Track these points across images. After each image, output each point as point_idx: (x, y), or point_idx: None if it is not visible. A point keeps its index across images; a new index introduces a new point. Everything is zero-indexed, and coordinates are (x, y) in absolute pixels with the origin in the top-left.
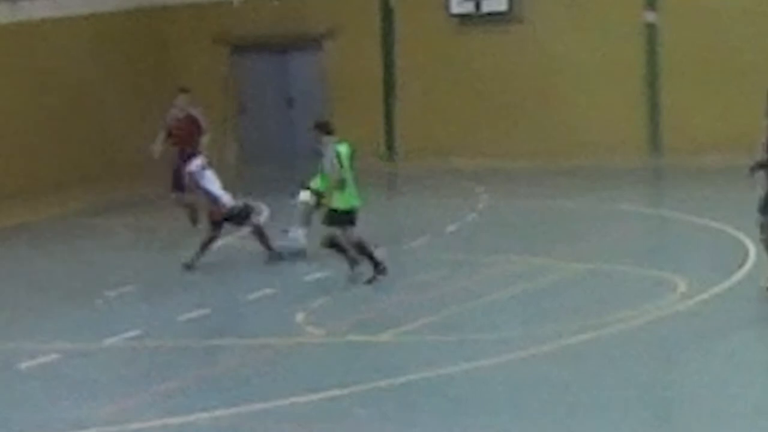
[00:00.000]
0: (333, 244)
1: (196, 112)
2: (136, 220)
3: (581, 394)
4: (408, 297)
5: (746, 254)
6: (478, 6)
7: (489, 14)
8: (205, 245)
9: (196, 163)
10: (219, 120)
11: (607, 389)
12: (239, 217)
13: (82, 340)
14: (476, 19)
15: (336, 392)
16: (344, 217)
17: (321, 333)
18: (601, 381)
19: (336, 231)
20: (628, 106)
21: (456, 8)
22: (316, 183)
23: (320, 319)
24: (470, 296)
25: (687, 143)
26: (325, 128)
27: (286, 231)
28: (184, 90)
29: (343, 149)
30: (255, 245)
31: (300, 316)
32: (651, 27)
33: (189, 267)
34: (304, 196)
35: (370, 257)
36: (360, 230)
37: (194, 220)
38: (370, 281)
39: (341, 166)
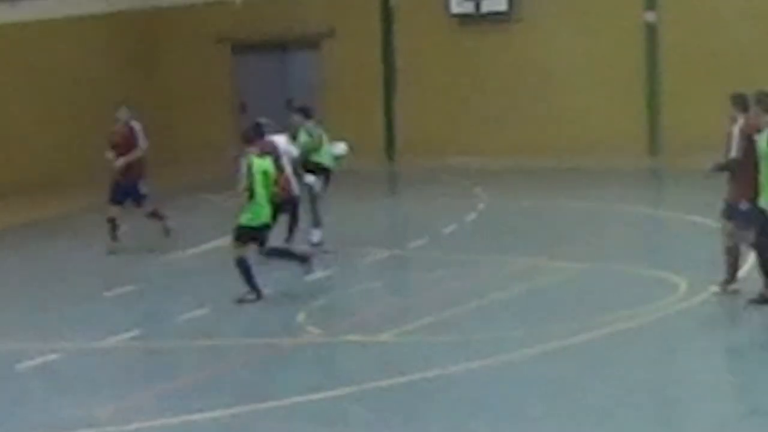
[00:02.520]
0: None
1: (136, 125)
2: (137, 220)
3: (581, 394)
4: (408, 297)
5: (746, 255)
6: (478, 6)
7: (489, 14)
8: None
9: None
10: (219, 120)
11: (607, 389)
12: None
13: (82, 340)
14: (476, 19)
15: (336, 392)
16: (252, 234)
17: (321, 333)
18: (601, 381)
19: (247, 251)
20: (628, 106)
21: (456, 8)
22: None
23: (320, 319)
24: (470, 296)
25: (687, 143)
26: (245, 137)
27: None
28: (122, 102)
29: (262, 163)
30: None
31: (300, 316)
32: (651, 27)
33: None
34: (310, 178)
35: (248, 282)
36: (360, 230)
37: (114, 237)
38: (241, 300)
39: (249, 179)
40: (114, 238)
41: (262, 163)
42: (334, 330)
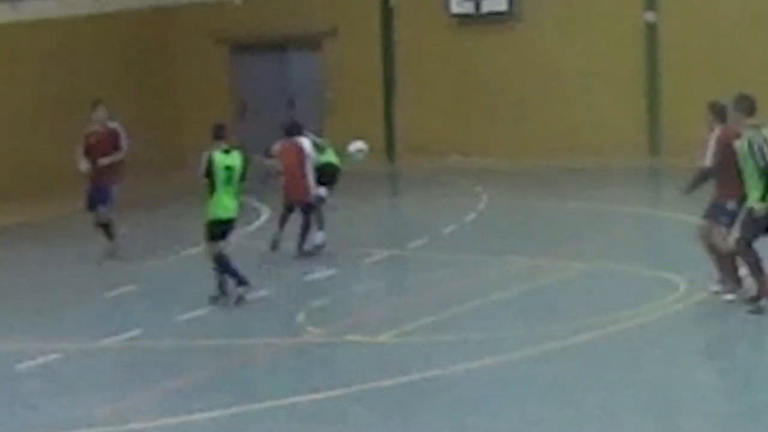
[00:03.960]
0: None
1: (116, 125)
2: (137, 220)
3: (581, 394)
4: (408, 297)
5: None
6: (478, 6)
7: (489, 14)
8: None
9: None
10: (219, 120)
11: (607, 389)
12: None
13: (82, 340)
14: (476, 19)
15: (336, 392)
16: (222, 228)
17: (321, 333)
18: (601, 381)
19: (221, 247)
20: (628, 106)
21: (456, 8)
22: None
23: (320, 319)
24: (470, 296)
25: (687, 143)
26: (214, 133)
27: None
28: (99, 101)
29: (225, 159)
30: (255, 245)
31: (300, 316)
32: (651, 27)
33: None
34: (320, 191)
35: (234, 275)
36: (360, 230)
37: (110, 237)
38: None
39: (206, 174)
40: (111, 238)
41: (225, 159)
42: (334, 330)
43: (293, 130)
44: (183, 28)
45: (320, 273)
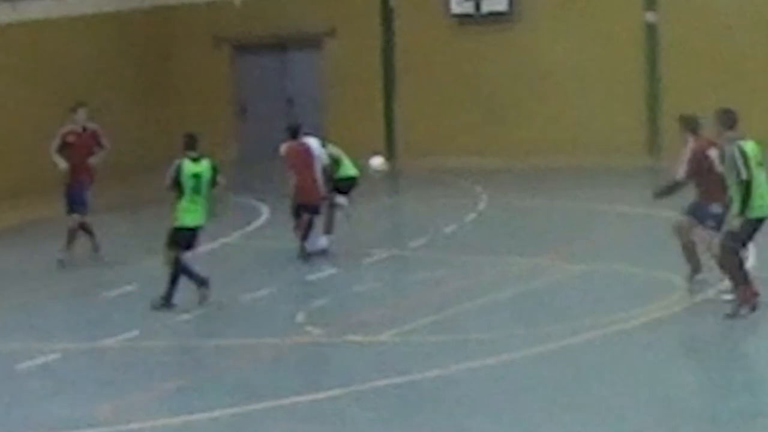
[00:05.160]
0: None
1: (95, 126)
2: (137, 220)
3: (581, 394)
4: (408, 297)
5: (745, 255)
6: (478, 6)
7: (489, 14)
8: None
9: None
10: (219, 120)
11: (607, 389)
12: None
13: (82, 340)
14: (476, 19)
15: (336, 392)
16: (186, 236)
17: (321, 333)
18: (601, 381)
19: (180, 253)
20: (628, 106)
21: (456, 8)
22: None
23: (320, 319)
24: (470, 296)
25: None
26: (185, 143)
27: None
28: (81, 104)
29: (193, 167)
30: (255, 245)
31: (300, 316)
32: (651, 27)
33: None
34: (341, 200)
35: (192, 277)
36: (360, 230)
37: (95, 247)
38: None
39: (173, 181)
40: (94, 246)
41: (194, 167)
42: (334, 330)
43: (298, 130)
44: (183, 28)
45: (320, 273)
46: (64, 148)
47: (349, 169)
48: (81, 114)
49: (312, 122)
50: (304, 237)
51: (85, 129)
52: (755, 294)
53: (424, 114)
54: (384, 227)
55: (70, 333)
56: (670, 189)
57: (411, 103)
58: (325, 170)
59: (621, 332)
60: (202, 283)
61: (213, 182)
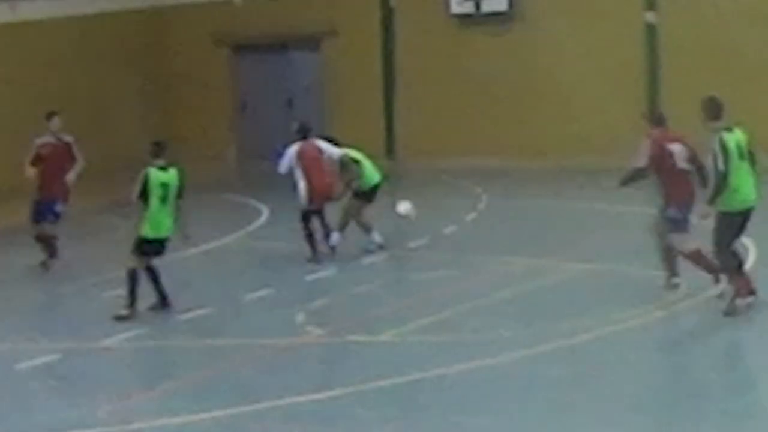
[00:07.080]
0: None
1: (69, 138)
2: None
3: (581, 394)
4: (408, 297)
5: (745, 254)
6: (478, 6)
7: (489, 14)
8: None
9: None
10: (219, 120)
11: (608, 389)
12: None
13: (82, 340)
14: (476, 19)
15: (336, 392)
16: (153, 247)
17: (321, 333)
18: (601, 381)
19: (143, 264)
20: (628, 106)
21: (456, 8)
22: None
23: (320, 319)
24: (470, 296)
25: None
26: (152, 151)
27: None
28: (55, 112)
29: (161, 176)
30: (255, 245)
31: (300, 316)
32: (651, 27)
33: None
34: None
35: (130, 293)
36: (361, 230)
37: (52, 254)
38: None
39: (141, 192)
40: (53, 254)
41: (162, 176)
42: (334, 330)
43: (308, 131)
44: (183, 28)
45: (320, 273)
46: (38, 160)
47: (372, 176)
48: (55, 122)
49: (312, 122)
50: (314, 247)
51: (59, 140)
52: (748, 284)
53: (424, 114)
54: (384, 227)
55: (70, 333)
56: (633, 176)
57: (411, 103)
58: (344, 170)
59: (621, 332)
60: (163, 300)
61: (180, 192)
